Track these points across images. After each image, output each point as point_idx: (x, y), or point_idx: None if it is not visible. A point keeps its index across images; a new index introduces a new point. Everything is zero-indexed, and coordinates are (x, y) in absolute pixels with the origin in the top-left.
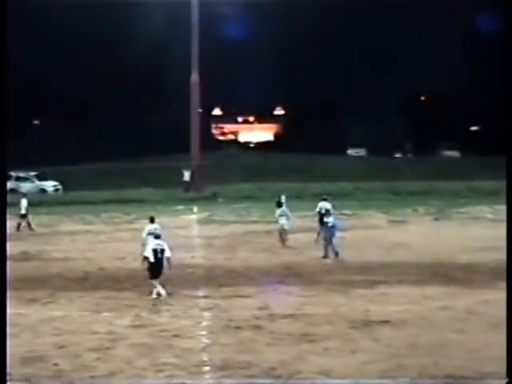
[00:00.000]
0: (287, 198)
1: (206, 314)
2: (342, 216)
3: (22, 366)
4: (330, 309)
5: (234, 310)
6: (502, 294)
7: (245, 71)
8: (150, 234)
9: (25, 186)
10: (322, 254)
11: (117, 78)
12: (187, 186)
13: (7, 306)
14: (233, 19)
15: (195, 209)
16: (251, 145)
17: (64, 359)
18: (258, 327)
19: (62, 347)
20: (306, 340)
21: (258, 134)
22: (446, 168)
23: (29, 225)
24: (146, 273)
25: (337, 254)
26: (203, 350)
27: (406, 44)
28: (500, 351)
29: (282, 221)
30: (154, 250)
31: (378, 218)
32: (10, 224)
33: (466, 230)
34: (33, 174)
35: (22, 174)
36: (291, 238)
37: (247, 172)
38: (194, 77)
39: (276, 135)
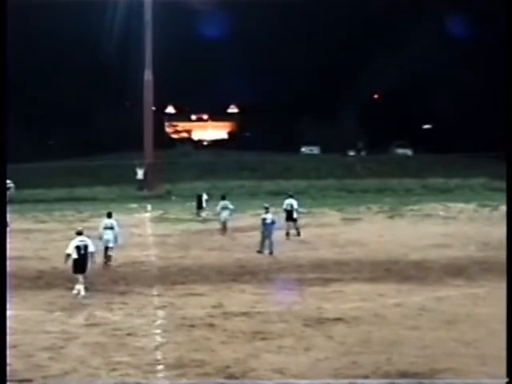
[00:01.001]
0: (240, 195)
1: (160, 313)
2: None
3: None
4: (284, 306)
5: (187, 308)
6: (454, 291)
7: (199, 69)
8: (106, 228)
9: None
10: (274, 251)
11: (68, 74)
12: (141, 184)
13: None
14: (187, 17)
15: (149, 207)
16: (205, 143)
17: (16, 359)
18: (211, 325)
19: (14, 347)
20: (259, 338)
21: (212, 132)
22: (399, 166)
23: None
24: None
25: (271, 252)
26: (157, 348)
27: (360, 43)
28: (452, 347)
29: (224, 213)
30: (77, 247)
31: (331, 215)
32: None
33: (419, 228)
34: None
35: None
36: (244, 236)
37: (201, 170)
38: (148, 74)
39: (230, 133)
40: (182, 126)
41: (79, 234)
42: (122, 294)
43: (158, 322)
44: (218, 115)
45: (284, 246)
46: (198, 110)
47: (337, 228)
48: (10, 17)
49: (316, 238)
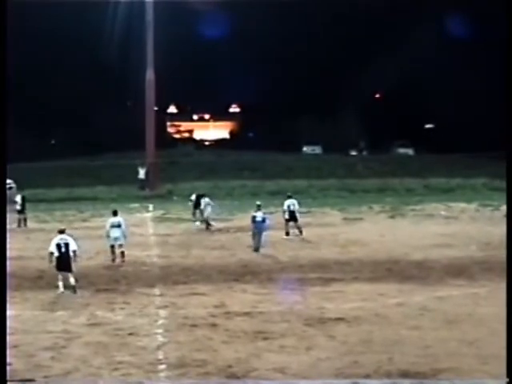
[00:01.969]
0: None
1: (162, 312)
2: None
3: None
4: (286, 306)
5: (189, 308)
6: (456, 291)
7: (200, 68)
8: (113, 226)
9: None
10: (271, 252)
11: (69, 74)
12: (142, 184)
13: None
14: (189, 17)
15: (150, 207)
16: (206, 143)
17: (18, 359)
18: (213, 325)
19: (15, 346)
20: (261, 337)
21: (214, 131)
22: (401, 166)
23: None
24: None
25: (257, 249)
26: (159, 348)
27: (361, 43)
28: (454, 347)
29: (208, 210)
30: (58, 245)
31: (333, 215)
32: None
33: (421, 227)
34: None
35: None
36: (246, 236)
37: (202, 170)
38: (150, 74)
39: (231, 133)
40: (183, 125)
41: (61, 232)
42: (124, 293)
43: (160, 321)
44: (220, 115)
45: (285, 246)
46: (200, 110)
47: (338, 228)
48: (10, 17)
49: (317, 237)
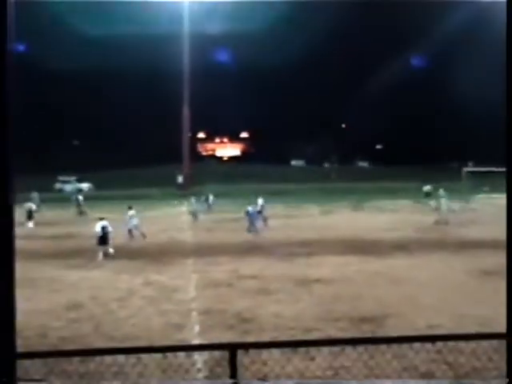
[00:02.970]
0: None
1: (194, 276)
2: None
3: (66, 311)
4: (280, 272)
5: (213, 273)
6: (400, 261)
7: (220, 104)
8: (131, 217)
9: (68, 187)
10: (269, 235)
11: (127, 107)
12: (180, 187)
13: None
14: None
15: (185, 203)
16: (225, 158)
17: (96, 306)
18: (230, 285)
19: (93, 298)
20: (263, 293)
21: (230, 150)
22: (361, 174)
23: (81, 212)
24: (146, 246)
25: (249, 231)
26: (192, 300)
27: (334, 85)
28: (399, 299)
29: (199, 206)
30: (103, 227)
31: (313, 209)
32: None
33: (374, 217)
34: (73, 178)
35: (66, 178)
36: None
37: (221, 177)
38: (185, 110)
39: (242, 151)
40: (209, 146)
41: (101, 219)
42: (168, 262)
43: (193, 282)
44: (234, 139)
45: (279, 230)
46: (220, 135)
47: (316, 218)
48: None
49: (302, 224)
